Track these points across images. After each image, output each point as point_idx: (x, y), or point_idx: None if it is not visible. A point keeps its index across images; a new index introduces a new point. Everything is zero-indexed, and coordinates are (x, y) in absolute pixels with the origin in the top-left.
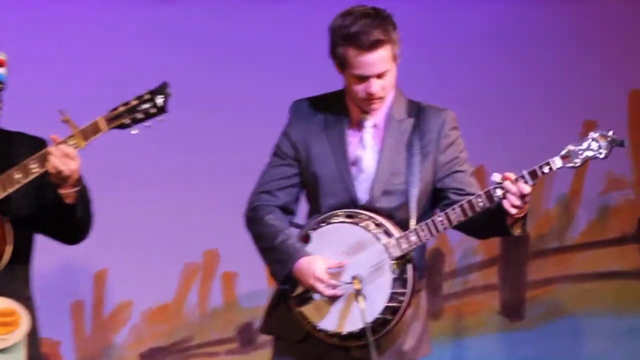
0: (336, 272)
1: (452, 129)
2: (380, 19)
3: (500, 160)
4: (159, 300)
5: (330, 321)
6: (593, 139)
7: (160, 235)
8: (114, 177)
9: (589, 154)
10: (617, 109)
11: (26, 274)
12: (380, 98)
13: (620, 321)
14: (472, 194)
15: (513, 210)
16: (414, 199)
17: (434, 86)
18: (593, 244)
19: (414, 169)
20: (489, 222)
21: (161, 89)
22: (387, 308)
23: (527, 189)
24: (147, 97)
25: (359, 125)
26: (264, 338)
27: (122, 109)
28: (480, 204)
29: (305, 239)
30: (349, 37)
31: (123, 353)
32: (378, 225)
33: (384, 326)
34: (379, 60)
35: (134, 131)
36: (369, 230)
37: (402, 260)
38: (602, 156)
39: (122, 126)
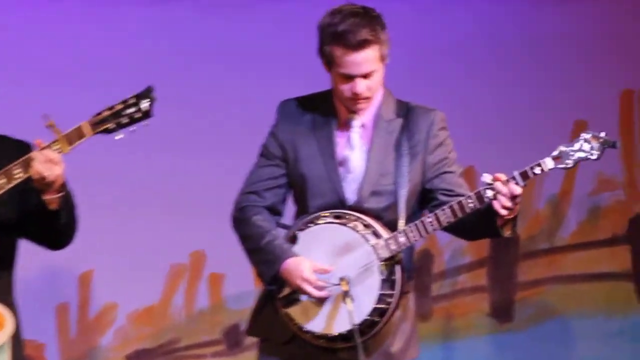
0: (324, 275)
1: (441, 129)
2: (369, 18)
3: (490, 160)
4: (145, 302)
5: (317, 322)
6: (585, 140)
7: (146, 236)
8: (100, 177)
9: (581, 155)
10: (609, 109)
11: (9, 280)
12: (367, 98)
13: (611, 323)
14: (462, 195)
15: (503, 212)
16: (403, 200)
17: (423, 86)
18: (583, 245)
19: (402, 170)
20: (479, 223)
21: (146, 93)
22: (375, 309)
23: (518, 190)
24: (132, 101)
25: (346, 125)
26: (251, 340)
27: (106, 113)
28: (471, 204)
29: (293, 239)
30: (336, 35)
31: (108, 355)
32: (366, 226)
33: (372, 328)
34: (365, 60)
35: (118, 136)
36: (357, 231)
37: (390, 262)
38: (594, 157)
39: (107, 131)
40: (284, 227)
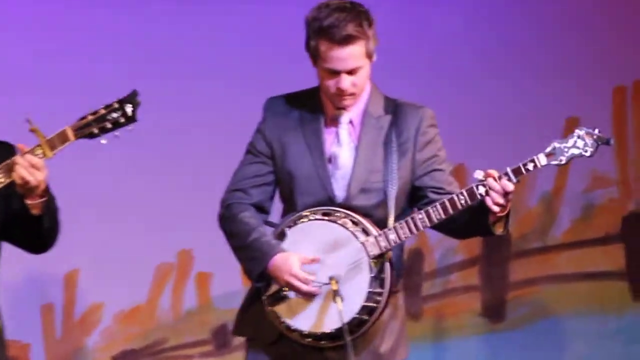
0: (313, 272)
1: (430, 126)
2: (356, 13)
3: (481, 158)
4: (132, 301)
5: (304, 321)
6: (579, 137)
7: (133, 235)
8: (85, 175)
9: (575, 151)
10: (601, 106)
11: None
12: (352, 94)
13: (605, 322)
14: (451, 193)
15: (496, 209)
16: (392, 197)
17: (413, 83)
18: (577, 244)
19: (391, 167)
20: (470, 220)
21: (130, 98)
22: (364, 308)
23: (510, 186)
24: (116, 106)
25: (334, 122)
26: (239, 340)
27: (90, 118)
28: (462, 201)
29: (281, 236)
30: (322, 30)
31: (95, 356)
32: (356, 223)
33: (360, 327)
34: (350, 55)
35: (103, 141)
36: (346, 228)
37: (380, 259)
38: (587, 154)
39: (91, 136)
40: (271, 225)
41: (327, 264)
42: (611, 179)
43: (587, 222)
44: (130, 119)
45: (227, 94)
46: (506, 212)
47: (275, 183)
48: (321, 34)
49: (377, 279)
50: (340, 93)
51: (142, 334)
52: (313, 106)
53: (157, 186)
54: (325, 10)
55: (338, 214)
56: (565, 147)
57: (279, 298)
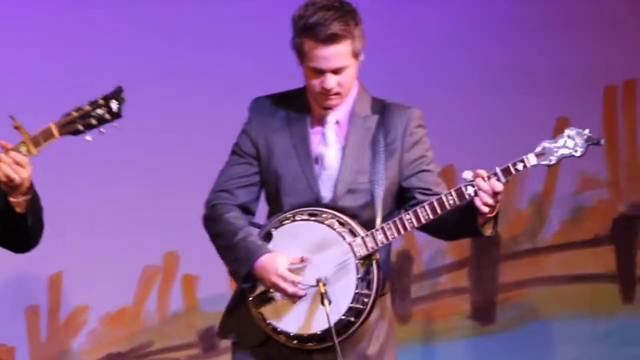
0: (299, 272)
1: (418, 126)
2: (342, 12)
3: (470, 159)
4: (117, 304)
5: (291, 322)
6: (569, 137)
7: (118, 237)
8: (70, 177)
9: (565, 152)
10: (592, 106)
11: None
12: (337, 94)
13: (595, 324)
14: (439, 194)
15: (485, 209)
16: (380, 198)
17: (403, 83)
18: (567, 246)
19: (379, 167)
20: (459, 221)
21: (115, 94)
22: (350, 309)
23: (499, 186)
24: (101, 102)
25: (321, 122)
26: (226, 343)
27: (74, 114)
28: (451, 201)
29: (267, 237)
30: (307, 28)
31: (80, 359)
32: (342, 224)
33: (347, 328)
34: (335, 55)
35: (88, 137)
36: (333, 229)
37: (367, 260)
38: (577, 154)
39: (75, 132)
40: (257, 226)
41: (313, 265)
42: (601, 180)
43: (577, 224)
44: (116, 115)
45: (213, 95)
46: (495, 212)
47: (261, 184)
48: (306, 32)
49: (364, 280)
50: (325, 92)
51: (128, 336)
52: (299, 106)
53: (143, 188)
54: (311, 8)
55: (325, 215)
56: (555, 147)
57: (265, 299)
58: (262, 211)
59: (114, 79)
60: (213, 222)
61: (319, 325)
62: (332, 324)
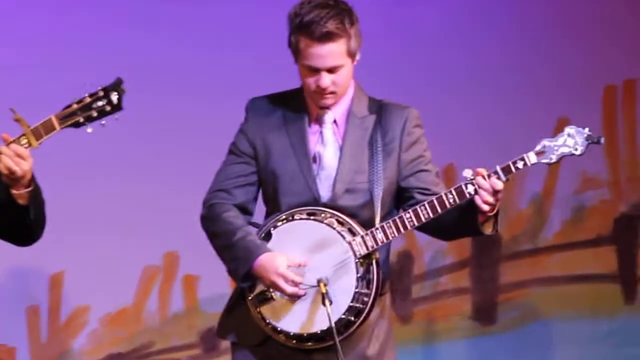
0: (299, 271)
1: (416, 126)
2: (338, 10)
3: (471, 158)
4: (118, 304)
5: (291, 322)
6: (569, 135)
7: (119, 237)
8: (71, 176)
9: (565, 150)
10: (592, 106)
11: None
12: (332, 93)
13: (597, 325)
14: (437, 194)
15: (485, 207)
16: (379, 198)
17: (402, 82)
18: (567, 246)
19: (377, 167)
20: (459, 220)
21: (115, 86)
22: (350, 308)
23: (499, 184)
24: (101, 94)
25: (318, 121)
26: (227, 344)
27: (75, 106)
28: (451, 200)
29: (266, 237)
30: (302, 26)
31: (81, 359)
32: (342, 223)
33: (347, 328)
34: (330, 53)
35: (89, 129)
36: (333, 228)
37: (367, 260)
38: (578, 153)
39: (76, 124)
40: (255, 226)
41: (313, 264)
42: (602, 180)
43: (578, 224)
44: (116, 107)
45: (214, 96)
46: (495, 211)
47: (259, 184)
48: (301, 30)
49: (364, 279)
50: (320, 91)
51: (129, 337)
52: (297, 106)
53: (144, 188)
54: (307, 6)
55: (324, 214)
56: (555, 145)
57: (264, 299)
58: (260, 212)
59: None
60: (211, 222)
61: (319, 324)
62: (333, 324)
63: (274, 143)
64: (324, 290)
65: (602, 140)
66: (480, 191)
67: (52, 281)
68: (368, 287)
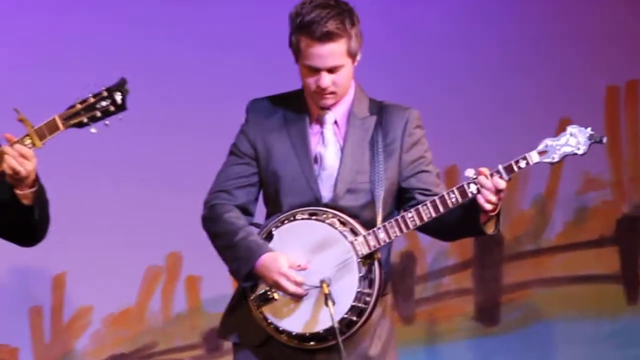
0: (301, 272)
1: (417, 127)
2: (339, 10)
3: (473, 160)
4: (121, 305)
5: (293, 322)
6: (571, 134)
7: (122, 238)
8: (75, 178)
9: (567, 149)
10: (594, 106)
11: None
12: (333, 93)
13: (599, 326)
14: (438, 194)
15: (487, 206)
16: (380, 198)
17: (405, 83)
18: (570, 246)
19: (378, 168)
20: (461, 220)
21: (119, 86)
22: (353, 308)
23: (502, 184)
24: (105, 94)
25: (319, 122)
26: (230, 344)
27: (79, 107)
28: (453, 199)
29: (268, 237)
30: (303, 25)
31: None
32: (344, 223)
33: (349, 328)
34: (330, 53)
35: (92, 130)
36: (335, 228)
37: (369, 260)
38: (580, 152)
39: (80, 125)
40: (256, 226)
41: (315, 264)
42: (604, 181)
43: (581, 225)
44: (120, 107)
45: (216, 97)
46: (497, 210)
47: (260, 185)
48: (302, 29)
49: (366, 278)
50: (320, 91)
51: (132, 337)
52: (297, 107)
53: (146, 189)
54: (308, 6)
55: (325, 214)
56: (557, 145)
57: (266, 299)
58: (260, 213)
59: (111, 79)
60: (212, 222)
61: (321, 324)
62: (336, 325)
63: (275, 144)
64: (326, 291)
65: (605, 139)
66: (483, 190)
67: (55, 282)
68: (370, 286)
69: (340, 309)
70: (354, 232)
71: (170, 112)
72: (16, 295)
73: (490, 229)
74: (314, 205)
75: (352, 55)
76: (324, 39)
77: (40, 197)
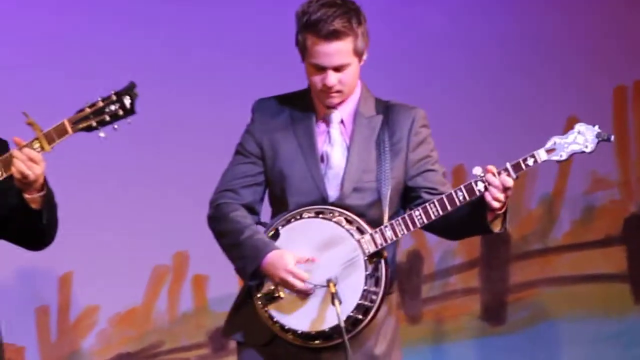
0: (308, 270)
1: (423, 126)
2: (345, 9)
3: (481, 159)
4: (127, 304)
5: (299, 320)
6: (579, 132)
7: (128, 237)
8: (81, 177)
9: (575, 147)
10: (602, 106)
11: None
12: (339, 92)
13: (606, 325)
14: (445, 193)
15: (495, 204)
16: (387, 197)
17: (412, 83)
18: (577, 246)
19: (384, 167)
20: (468, 218)
21: (128, 90)
22: (359, 306)
23: (509, 181)
24: (114, 98)
25: (325, 121)
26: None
27: (88, 110)
28: (461, 197)
29: (274, 235)
30: (309, 24)
31: (90, 359)
32: (350, 221)
33: (355, 326)
34: (336, 51)
35: (101, 134)
36: (341, 226)
37: (375, 258)
38: (588, 150)
39: (89, 129)
40: (263, 225)
41: (321, 262)
42: (612, 180)
43: (588, 224)
44: (129, 112)
45: (220, 96)
46: (504, 209)
47: (266, 184)
48: (308, 28)
49: (373, 277)
50: (326, 90)
51: (138, 337)
52: (304, 106)
53: (153, 188)
54: (314, 4)
55: (332, 213)
56: (565, 143)
57: (271, 297)
58: (265, 213)
59: (115, 80)
60: (218, 221)
61: (327, 322)
62: (342, 323)
63: (282, 143)
64: (333, 290)
65: (612, 137)
66: (490, 188)
67: (62, 281)
68: (377, 285)
69: (346, 307)
70: (361, 231)
71: (174, 111)
72: (23, 295)
73: (497, 228)
74: (320, 204)
75: (358, 54)
76: (330, 37)
77: (49, 201)
